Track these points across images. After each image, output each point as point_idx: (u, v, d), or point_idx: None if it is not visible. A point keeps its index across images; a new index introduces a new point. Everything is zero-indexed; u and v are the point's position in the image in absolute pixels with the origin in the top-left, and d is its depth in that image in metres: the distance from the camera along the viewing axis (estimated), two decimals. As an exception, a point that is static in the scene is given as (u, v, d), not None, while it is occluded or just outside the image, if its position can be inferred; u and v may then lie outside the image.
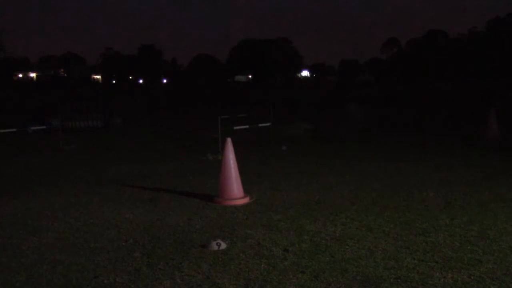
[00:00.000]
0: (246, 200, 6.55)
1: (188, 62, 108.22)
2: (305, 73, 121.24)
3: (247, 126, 13.01)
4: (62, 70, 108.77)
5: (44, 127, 15.71)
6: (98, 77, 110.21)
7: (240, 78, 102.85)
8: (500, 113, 13.49)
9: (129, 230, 5.42)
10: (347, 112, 17.71)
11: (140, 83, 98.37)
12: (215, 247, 4.70)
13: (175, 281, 4.00)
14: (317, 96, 39.10)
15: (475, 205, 6.20)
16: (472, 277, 3.94)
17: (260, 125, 13.23)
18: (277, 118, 14.20)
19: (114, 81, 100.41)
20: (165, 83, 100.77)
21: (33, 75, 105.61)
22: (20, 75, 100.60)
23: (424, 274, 4.02)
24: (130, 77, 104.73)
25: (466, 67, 72.62)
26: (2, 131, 12.90)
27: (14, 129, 13.46)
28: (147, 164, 10.03)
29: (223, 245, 4.75)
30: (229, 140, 6.62)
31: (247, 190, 6.86)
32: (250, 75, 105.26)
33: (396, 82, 61.95)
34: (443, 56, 78.97)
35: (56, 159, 11.07)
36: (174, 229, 5.40)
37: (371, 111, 22.32)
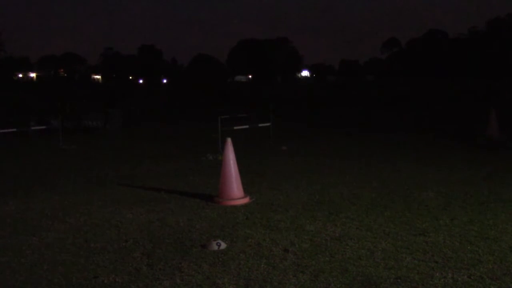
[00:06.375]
0: (246, 200, 6.55)
1: (188, 62, 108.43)
2: (305, 73, 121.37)
3: (247, 126, 13.01)
4: (62, 70, 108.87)
5: (44, 127, 15.69)
6: (98, 77, 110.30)
7: (240, 78, 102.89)
8: (500, 113, 13.50)
9: (129, 230, 5.42)
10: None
11: (140, 83, 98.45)
12: (215, 247, 4.70)
13: (175, 281, 4.00)
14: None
15: (475, 205, 6.20)
16: (472, 277, 3.94)
17: (260, 125, 13.23)
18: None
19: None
20: (165, 83, 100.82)
21: (33, 75, 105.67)
22: (20, 75, 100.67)
23: (424, 274, 4.02)
24: (130, 77, 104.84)
25: (466, 67, 72.65)
26: (2, 131, 12.90)
27: (14, 129, 13.46)
28: (147, 164, 10.03)
29: (223, 245, 4.75)
30: (229, 140, 6.62)
31: (247, 190, 6.86)
32: (250, 75, 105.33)
33: (396, 82, 62.01)
34: (443, 56, 79.02)
35: (56, 159, 11.07)
36: (174, 229, 5.40)
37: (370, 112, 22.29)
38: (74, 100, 19.22)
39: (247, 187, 7.03)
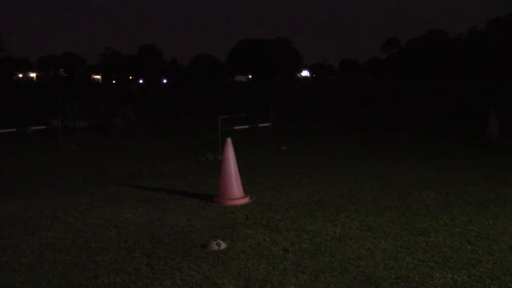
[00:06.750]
0: (246, 200, 6.55)
1: (188, 62, 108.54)
2: (305, 73, 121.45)
3: (247, 126, 13.00)
4: (62, 70, 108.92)
5: (44, 127, 15.67)
6: (98, 77, 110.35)
7: (240, 78, 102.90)
8: (500, 113, 13.49)
9: (129, 230, 5.42)
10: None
11: (140, 83, 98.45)
12: (215, 247, 4.70)
13: (175, 281, 4.00)
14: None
15: (475, 205, 6.20)
16: (472, 277, 3.94)
17: (260, 125, 13.22)
18: None
19: (114, 81, 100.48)
20: (165, 83, 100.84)
21: (33, 75, 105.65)
22: (20, 75, 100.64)
23: (424, 274, 4.02)
24: (130, 77, 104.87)
25: (466, 67, 72.65)
26: (2, 131, 12.89)
27: (14, 129, 13.45)
28: (147, 164, 10.03)
29: (223, 245, 4.75)
30: (229, 140, 6.62)
31: (247, 190, 6.86)
32: (250, 75, 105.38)
33: (396, 82, 62.03)
34: (443, 56, 79.04)
35: (56, 159, 11.06)
36: (174, 229, 5.40)
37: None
38: (74, 100, 19.18)
39: (247, 187, 7.03)
